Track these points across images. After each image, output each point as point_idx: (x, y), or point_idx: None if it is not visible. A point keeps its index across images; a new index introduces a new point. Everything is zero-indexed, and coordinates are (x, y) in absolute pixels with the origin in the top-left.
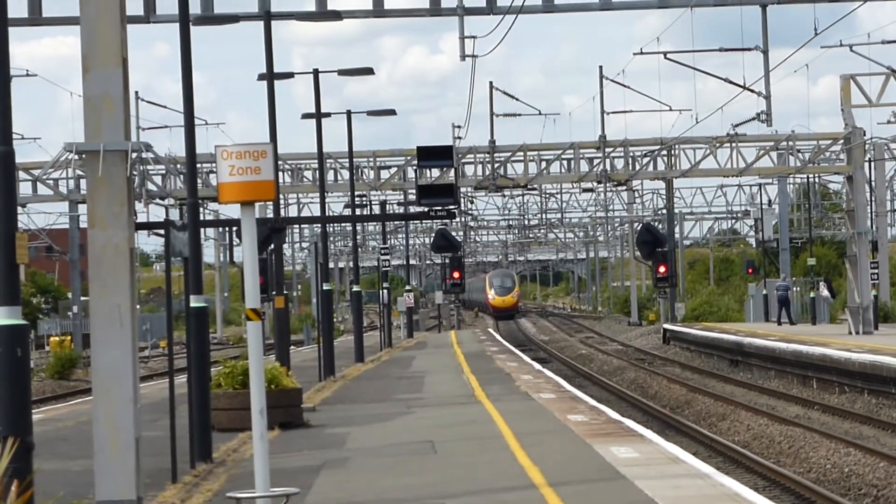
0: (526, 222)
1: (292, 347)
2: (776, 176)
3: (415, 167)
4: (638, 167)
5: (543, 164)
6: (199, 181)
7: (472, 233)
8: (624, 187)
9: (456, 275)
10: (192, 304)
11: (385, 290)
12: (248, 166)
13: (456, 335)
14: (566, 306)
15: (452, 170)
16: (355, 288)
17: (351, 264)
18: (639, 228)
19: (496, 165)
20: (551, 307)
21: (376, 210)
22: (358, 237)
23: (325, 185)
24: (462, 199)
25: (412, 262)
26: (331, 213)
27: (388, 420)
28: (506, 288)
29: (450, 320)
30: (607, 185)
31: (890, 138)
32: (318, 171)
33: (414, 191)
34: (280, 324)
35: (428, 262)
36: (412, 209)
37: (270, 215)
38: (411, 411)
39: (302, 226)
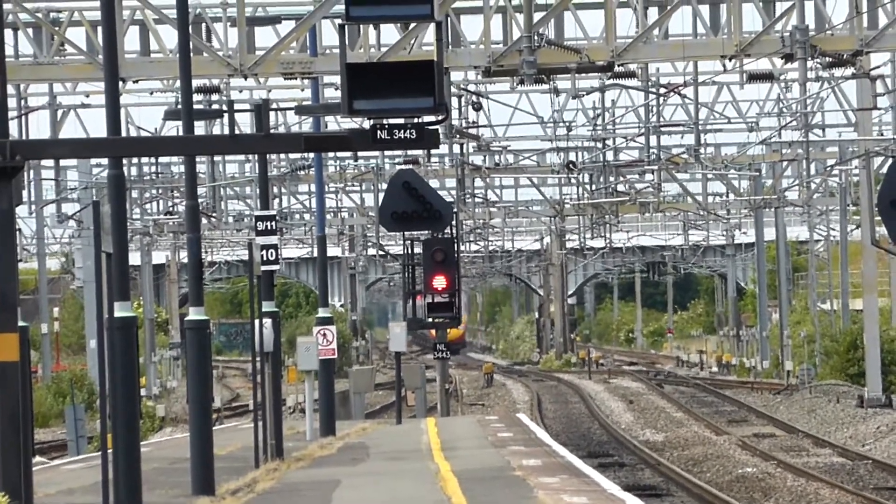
0: (605, 157)
1: (39, 460)
2: None
3: (338, 20)
4: (887, 21)
5: (650, 17)
6: None
7: (483, 182)
8: (848, 69)
9: (440, 283)
10: None
11: (269, 322)
12: None
13: (438, 429)
14: (709, 357)
15: (433, 25)
16: (193, 314)
17: (183, 256)
18: (890, 167)
19: (536, 20)
20: (674, 361)
21: (246, 124)
22: (203, 192)
23: (116, 59)
24: (457, 101)
25: (335, 251)
26: (132, 132)
27: None
28: None
29: (422, 393)
30: (812, 57)
31: None
32: (102, 32)
33: (335, 79)
34: (6, 398)
35: (370, 252)
36: (333, 126)
37: None
38: None
39: (60, 164)
